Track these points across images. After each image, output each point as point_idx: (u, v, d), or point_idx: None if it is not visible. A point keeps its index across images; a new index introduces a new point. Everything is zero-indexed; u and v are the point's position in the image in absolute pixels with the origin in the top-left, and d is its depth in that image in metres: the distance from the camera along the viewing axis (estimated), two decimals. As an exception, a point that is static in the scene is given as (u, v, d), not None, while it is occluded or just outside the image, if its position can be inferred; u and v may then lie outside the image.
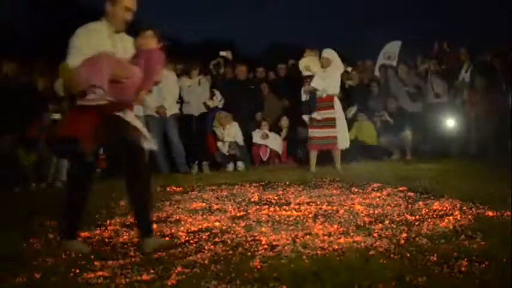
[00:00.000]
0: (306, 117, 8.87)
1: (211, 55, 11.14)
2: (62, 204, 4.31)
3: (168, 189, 7.28)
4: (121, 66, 3.97)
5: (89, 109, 3.95)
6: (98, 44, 3.98)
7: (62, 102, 9.20)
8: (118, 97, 4.01)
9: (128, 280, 3.44)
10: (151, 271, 3.58)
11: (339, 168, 8.60)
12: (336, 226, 4.66)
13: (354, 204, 5.68)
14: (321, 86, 8.49)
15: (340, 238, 4.23)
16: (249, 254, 3.92)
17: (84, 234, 4.78)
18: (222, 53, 10.75)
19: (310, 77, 8.68)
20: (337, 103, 8.69)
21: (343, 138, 8.70)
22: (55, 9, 27.16)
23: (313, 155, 8.69)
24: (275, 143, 10.33)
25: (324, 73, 8.62)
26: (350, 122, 10.75)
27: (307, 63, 8.94)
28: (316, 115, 8.60)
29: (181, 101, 9.71)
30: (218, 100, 10.02)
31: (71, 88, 3.90)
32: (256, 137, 10.28)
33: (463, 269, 3.33)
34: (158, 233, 4.68)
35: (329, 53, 8.69)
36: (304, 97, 8.88)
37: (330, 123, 8.56)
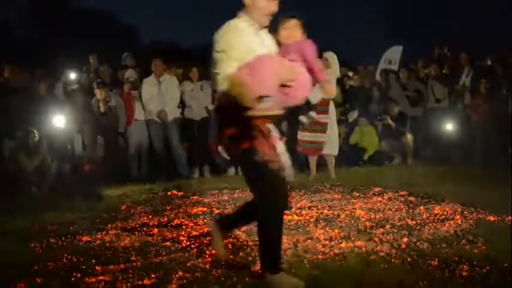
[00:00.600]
0: (303, 118, 8.80)
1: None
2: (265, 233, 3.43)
3: (169, 193, 7.28)
4: (286, 67, 3.38)
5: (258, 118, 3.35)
6: (247, 45, 3.37)
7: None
8: (288, 103, 3.48)
9: (129, 285, 3.44)
10: (153, 276, 3.58)
11: (332, 174, 8.45)
12: (337, 231, 4.67)
13: (355, 208, 5.68)
14: (316, 99, 8.40)
15: (341, 243, 4.24)
16: (250, 258, 3.93)
17: (85, 238, 4.79)
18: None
19: None
20: (331, 108, 8.63)
21: (332, 145, 8.58)
22: (54, 11, 27.23)
23: (313, 161, 8.63)
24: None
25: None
26: (351, 127, 10.77)
27: None
28: (313, 114, 8.53)
29: (183, 105, 9.72)
30: (219, 104, 10.02)
31: (242, 101, 3.18)
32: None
33: (464, 273, 3.34)
34: (159, 238, 4.70)
35: (330, 56, 8.65)
36: None
37: (322, 127, 8.42)
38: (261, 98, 3.20)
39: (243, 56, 3.28)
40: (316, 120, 8.38)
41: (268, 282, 3.34)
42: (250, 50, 3.33)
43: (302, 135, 8.51)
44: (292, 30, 3.60)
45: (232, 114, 3.32)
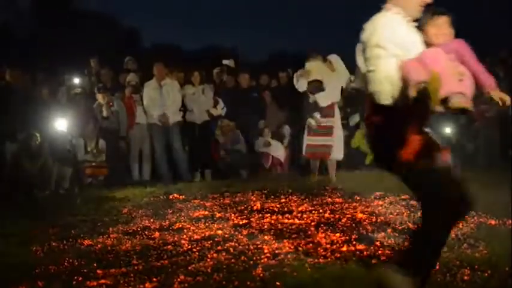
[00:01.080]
0: (311, 121, 8.74)
1: (213, 63, 11.18)
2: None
3: (170, 197, 7.28)
4: (454, 65, 2.99)
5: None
6: (404, 39, 3.02)
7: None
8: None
9: (130, 288, 3.45)
10: (154, 279, 3.58)
11: (332, 178, 8.39)
12: (338, 234, 4.66)
13: (356, 212, 5.68)
14: (325, 102, 8.36)
15: (342, 246, 4.24)
16: (252, 262, 3.93)
17: (86, 242, 4.79)
18: (225, 62, 10.78)
19: (315, 82, 8.54)
20: (337, 111, 8.61)
21: (338, 149, 8.55)
22: (55, 13, 27.28)
23: (314, 164, 8.60)
24: (277, 150, 10.33)
25: (327, 80, 8.49)
26: (352, 130, 10.76)
27: (312, 67, 8.75)
28: (317, 115, 8.50)
29: (184, 108, 9.74)
30: (221, 108, 10.05)
31: (433, 99, 2.83)
32: (259, 144, 10.29)
33: (465, 277, 3.34)
34: (161, 241, 4.69)
35: (334, 59, 8.62)
36: (311, 99, 8.72)
37: (328, 131, 8.39)
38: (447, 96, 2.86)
39: (400, 52, 2.95)
40: (323, 124, 8.36)
41: (388, 277, 3.04)
42: (408, 45, 3.00)
43: (312, 140, 8.46)
44: (441, 27, 3.22)
45: (402, 119, 2.96)
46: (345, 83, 8.62)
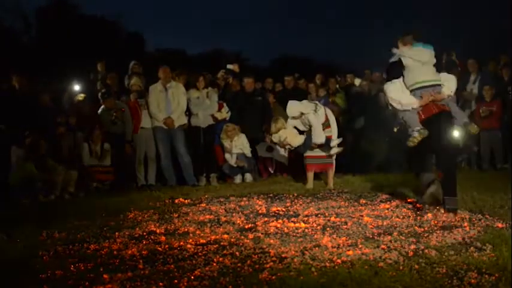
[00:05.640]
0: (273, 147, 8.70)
1: (218, 67, 11.21)
2: None
3: (176, 201, 7.29)
4: None
5: None
6: None
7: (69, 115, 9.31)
8: None
9: (136, 293, 3.44)
10: (160, 284, 3.58)
11: (331, 187, 8.29)
12: (344, 238, 4.65)
13: (362, 215, 5.67)
14: (321, 140, 8.22)
15: (348, 250, 4.22)
16: (258, 266, 3.91)
17: (92, 246, 4.79)
18: (229, 66, 10.81)
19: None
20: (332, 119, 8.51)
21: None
22: (59, 19, 27.41)
23: (311, 174, 8.46)
24: (281, 155, 10.32)
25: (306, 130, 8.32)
26: (357, 133, 10.76)
27: (284, 135, 8.41)
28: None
29: (189, 112, 9.76)
30: (226, 112, 10.06)
31: None
32: (261, 149, 10.28)
33: (472, 281, 3.31)
34: (167, 246, 4.69)
35: (291, 111, 8.33)
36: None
37: (328, 141, 8.32)
38: None
39: None
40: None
41: None
42: None
43: (313, 152, 8.32)
44: None
45: None
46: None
